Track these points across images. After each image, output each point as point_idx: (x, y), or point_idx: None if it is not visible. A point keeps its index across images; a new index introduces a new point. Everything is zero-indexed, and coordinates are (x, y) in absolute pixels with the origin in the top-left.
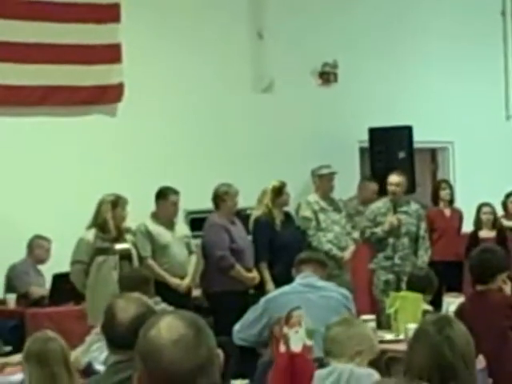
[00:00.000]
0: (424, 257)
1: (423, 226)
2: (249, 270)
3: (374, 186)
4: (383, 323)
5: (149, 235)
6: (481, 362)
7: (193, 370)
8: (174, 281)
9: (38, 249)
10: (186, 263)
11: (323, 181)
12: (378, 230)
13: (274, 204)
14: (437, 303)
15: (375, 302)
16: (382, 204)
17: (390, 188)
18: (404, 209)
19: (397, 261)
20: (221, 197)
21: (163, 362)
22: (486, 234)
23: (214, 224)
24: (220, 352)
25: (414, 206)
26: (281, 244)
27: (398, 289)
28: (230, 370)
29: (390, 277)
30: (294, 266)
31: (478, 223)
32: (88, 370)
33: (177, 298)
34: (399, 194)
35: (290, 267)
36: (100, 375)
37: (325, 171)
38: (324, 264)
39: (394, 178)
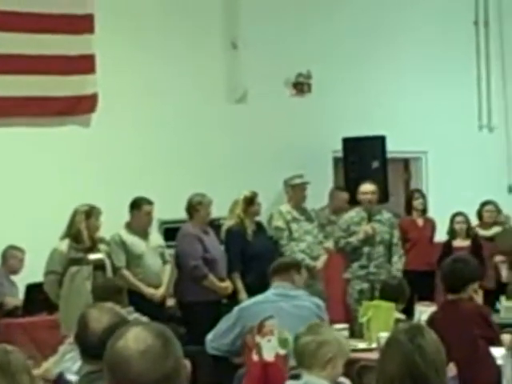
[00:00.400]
0: (398, 264)
1: (396, 233)
2: (222, 280)
3: (344, 196)
4: (357, 332)
5: (123, 245)
6: (451, 369)
7: (159, 380)
8: (148, 290)
9: (11, 259)
10: (161, 273)
11: (296, 191)
12: (353, 240)
13: (245, 214)
14: (409, 312)
15: (349, 311)
16: (354, 213)
17: (366, 197)
18: (377, 217)
19: (372, 269)
20: (194, 207)
21: (130, 373)
22: (459, 243)
23: (188, 234)
24: (187, 362)
25: (386, 215)
26: (253, 254)
27: (372, 297)
28: (202, 379)
29: (365, 286)
30: (268, 275)
31: (452, 232)
32: (59, 381)
33: (151, 308)
34: (374, 202)
35: (262, 277)
36: None
37: (297, 181)
38: (297, 266)
39: (368, 187)
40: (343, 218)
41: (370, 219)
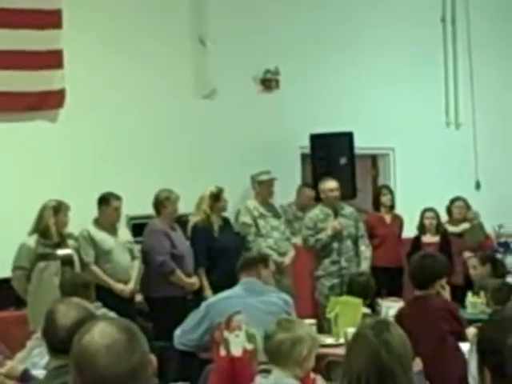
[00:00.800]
0: (366, 252)
1: (361, 226)
2: (189, 276)
3: (310, 193)
4: (325, 328)
5: (91, 241)
6: (418, 364)
7: (125, 374)
8: (118, 286)
9: None
10: (129, 268)
11: (263, 187)
12: (323, 236)
13: (211, 210)
14: (372, 307)
15: (316, 307)
16: (318, 211)
17: (333, 194)
18: (342, 212)
19: (343, 264)
20: (162, 202)
21: (96, 367)
22: (428, 238)
23: (155, 230)
24: (154, 357)
25: (348, 209)
26: (219, 249)
27: (341, 293)
28: (170, 374)
29: (335, 281)
30: (236, 271)
31: (422, 228)
32: (24, 377)
33: (119, 303)
34: (339, 198)
35: (228, 272)
36: (40, 380)
37: (264, 177)
38: (264, 260)
39: (334, 184)
40: (307, 216)
41: (336, 215)
